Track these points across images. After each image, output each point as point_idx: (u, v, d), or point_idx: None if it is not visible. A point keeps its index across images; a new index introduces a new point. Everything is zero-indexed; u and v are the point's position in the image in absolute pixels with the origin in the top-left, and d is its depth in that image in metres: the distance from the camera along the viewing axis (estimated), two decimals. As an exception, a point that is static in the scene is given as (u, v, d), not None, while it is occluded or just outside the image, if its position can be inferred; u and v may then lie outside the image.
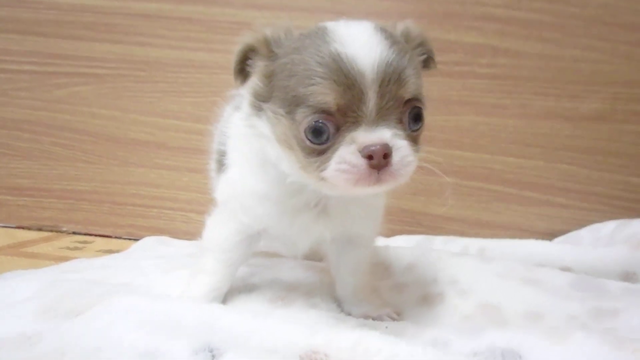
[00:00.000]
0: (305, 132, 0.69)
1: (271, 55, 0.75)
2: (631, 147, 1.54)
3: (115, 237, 1.69)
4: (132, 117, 1.64)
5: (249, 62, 0.77)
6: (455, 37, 1.56)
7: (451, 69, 1.56)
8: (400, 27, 0.82)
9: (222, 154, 0.94)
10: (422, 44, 0.83)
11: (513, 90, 1.55)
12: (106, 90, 1.64)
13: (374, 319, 0.93)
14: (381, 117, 0.68)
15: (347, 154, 0.68)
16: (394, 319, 0.94)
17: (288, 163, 0.76)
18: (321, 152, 0.70)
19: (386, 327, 0.86)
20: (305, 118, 0.68)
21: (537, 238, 1.48)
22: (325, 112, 0.68)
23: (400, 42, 0.75)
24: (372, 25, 0.74)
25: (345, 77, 0.66)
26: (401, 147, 0.69)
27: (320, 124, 0.68)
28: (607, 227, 1.41)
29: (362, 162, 0.67)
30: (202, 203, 1.09)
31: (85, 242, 1.62)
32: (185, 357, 0.65)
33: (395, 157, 0.68)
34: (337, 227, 0.88)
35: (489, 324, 0.90)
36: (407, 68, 0.70)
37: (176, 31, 1.60)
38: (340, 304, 0.98)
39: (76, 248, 1.54)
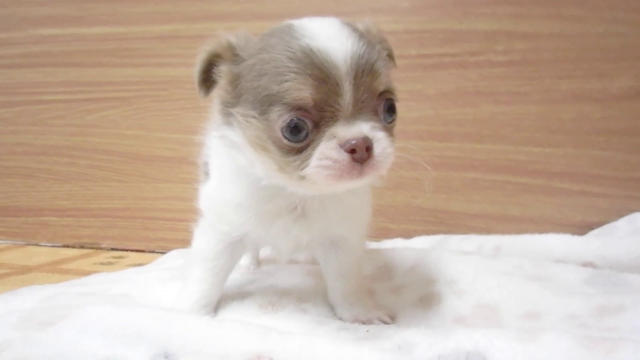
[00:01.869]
0: (282, 130, 0.67)
1: (235, 59, 0.74)
2: (672, 125, 1.39)
3: (149, 252, 1.76)
4: (156, 135, 1.72)
5: (214, 70, 0.77)
6: (467, 25, 1.49)
7: (465, 60, 1.50)
8: (360, 24, 0.80)
9: (206, 166, 0.95)
10: (381, 41, 0.80)
11: (534, 75, 1.46)
12: (131, 111, 1.73)
13: (363, 322, 0.90)
14: (358, 110, 0.67)
15: (328, 150, 0.66)
16: (385, 322, 0.91)
17: (262, 166, 0.74)
18: (300, 150, 0.68)
19: (367, 331, 0.83)
20: (280, 117, 0.67)
21: (571, 231, 1.37)
22: (302, 108, 0.66)
23: (367, 36, 0.73)
24: (337, 20, 0.72)
25: (319, 71, 0.65)
26: (380, 139, 0.68)
27: (298, 121, 0.67)
28: (646, 216, 1.29)
29: (345, 157, 0.66)
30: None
31: (120, 257, 1.71)
32: (143, 363, 0.66)
33: (377, 149, 0.67)
34: (317, 230, 0.86)
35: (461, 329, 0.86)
36: (378, 60, 0.69)
37: (191, 49, 1.60)
38: (333, 308, 0.96)
39: (109, 263, 1.62)
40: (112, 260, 1.67)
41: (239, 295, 1.00)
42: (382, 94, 0.70)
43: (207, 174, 0.94)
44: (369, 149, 0.66)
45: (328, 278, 0.97)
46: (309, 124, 0.67)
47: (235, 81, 0.74)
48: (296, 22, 0.72)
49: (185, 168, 1.70)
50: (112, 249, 1.80)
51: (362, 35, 0.70)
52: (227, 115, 0.76)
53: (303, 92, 0.65)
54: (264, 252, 1.34)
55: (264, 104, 0.68)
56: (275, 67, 0.67)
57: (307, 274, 1.12)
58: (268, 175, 0.76)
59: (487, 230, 1.47)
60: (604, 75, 1.42)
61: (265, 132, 0.69)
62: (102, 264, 1.62)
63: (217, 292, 0.94)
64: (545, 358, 0.61)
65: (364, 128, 0.66)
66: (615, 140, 1.43)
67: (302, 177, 0.69)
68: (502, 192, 1.50)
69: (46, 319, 0.78)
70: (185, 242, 1.68)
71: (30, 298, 0.99)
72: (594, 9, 1.40)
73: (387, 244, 1.50)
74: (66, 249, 1.82)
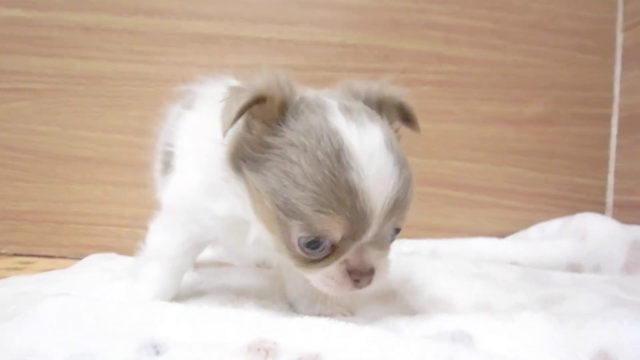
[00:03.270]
0: (298, 241, 0.66)
1: (279, 122, 0.67)
2: (574, 148, 1.58)
3: (60, 257, 1.61)
4: (73, 132, 1.58)
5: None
6: (402, 45, 1.58)
7: (398, 77, 1.55)
8: (375, 89, 0.80)
9: (169, 155, 0.88)
10: (401, 107, 0.81)
11: (459, 96, 1.58)
12: (45, 105, 1.57)
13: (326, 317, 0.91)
14: (375, 241, 0.68)
15: (336, 273, 0.68)
16: (346, 316, 0.91)
17: (261, 232, 0.72)
18: (310, 261, 0.68)
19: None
20: (301, 232, 0.65)
21: (488, 240, 1.50)
22: (327, 238, 0.65)
23: (403, 159, 0.69)
24: (384, 142, 0.66)
25: (357, 214, 0.63)
26: (382, 268, 0.70)
27: (318, 244, 0.66)
28: (553, 225, 1.45)
29: (348, 282, 0.68)
30: (151, 218, 1.03)
31: (27, 262, 1.54)
32: (128, 355, 0.61)
33: (378, 274, 0.69)
34: None
35: (439, 314, 0.91)
36: (410, 198, 0.69)
37: (118, 43, 1.56)
38: (292, 306, 0.95)
39: (16, 269, 1.45)
40: (20, 265, 1.50)
41: (194, 294, 0.95)
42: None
43: (167, 164, 0.88)
44: (371, 273, 0.69)
45: (289, 276, 0.95)
46: (327, 246, 0.67)
47: (265, 147, 0.67)
48: (347, 133, 0.65)
49: (106, 169, 1.59)
50: (15, 255, 1.62)
51: (402, 167, 0.67)
52: (236, 165, 0.71)
53: (336, 231, 0.64)
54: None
55: (288, 205, 0.64)
56: (314, 191, 0.63)
57: (257, 275, 1.09)
58: (263, 236, 0.73)
59: (414, 238, 1.55)
60: (519, 101, 1.58)
61: (277, 223, 0.67)
62: (8, 269, 1.45)
63: (173, 292, 0.89)
64: (525, 331, 0.67)
65: (373, 259, 0.69)
66: (525, 160, 1.59)
67: (297, 268, 0.71)
68: (429, 203, 1.60)
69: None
70: (101, 248, 1.59)
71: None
72: (514, 41, 1.56)
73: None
74: (-41, 255, 1.60)
